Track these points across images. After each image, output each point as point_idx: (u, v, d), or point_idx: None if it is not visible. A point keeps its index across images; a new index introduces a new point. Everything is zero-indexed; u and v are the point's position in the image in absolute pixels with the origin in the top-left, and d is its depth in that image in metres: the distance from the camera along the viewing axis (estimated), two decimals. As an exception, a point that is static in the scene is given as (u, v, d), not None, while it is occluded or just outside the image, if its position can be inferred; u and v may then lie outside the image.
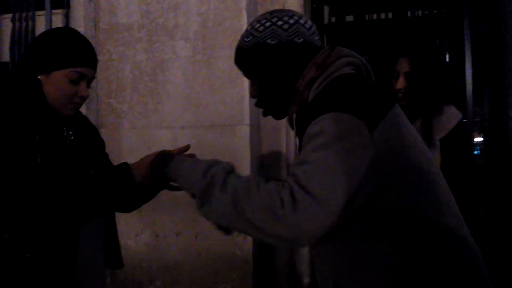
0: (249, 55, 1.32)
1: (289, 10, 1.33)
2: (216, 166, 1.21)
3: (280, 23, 1.29)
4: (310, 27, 1.31)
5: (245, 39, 1.32)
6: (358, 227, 1.15)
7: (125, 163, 1.46)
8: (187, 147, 1.52)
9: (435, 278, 1.14)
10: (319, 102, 1.17)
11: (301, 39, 1.29)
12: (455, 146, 2.10)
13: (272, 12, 1.32)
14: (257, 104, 1.37)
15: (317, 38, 1.32)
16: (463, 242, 1.20)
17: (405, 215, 1.14)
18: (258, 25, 1.31)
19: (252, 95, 1.37)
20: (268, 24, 1.29)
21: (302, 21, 1.30)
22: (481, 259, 1.22)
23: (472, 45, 3.41)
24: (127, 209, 1.66)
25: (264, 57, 1.30)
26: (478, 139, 3.93)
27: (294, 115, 1.29)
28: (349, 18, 3.97)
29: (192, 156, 1.51)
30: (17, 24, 3.54)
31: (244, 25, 2.99)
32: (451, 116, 2.14)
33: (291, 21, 1.29)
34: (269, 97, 1.34)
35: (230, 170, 1.21)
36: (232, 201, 1.12)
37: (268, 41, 1.28)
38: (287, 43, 1.28)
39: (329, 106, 1.12)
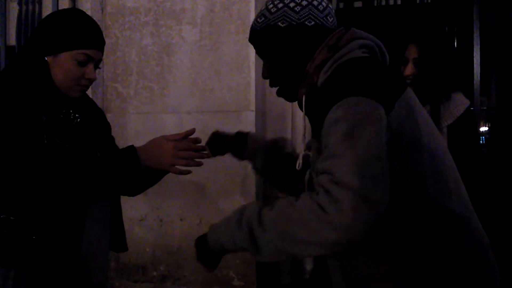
0: (260, 37, 1.32)
1: None
2: (246, 212, 1.19)
3: (292, 4, 1.28)
4: (324, 9, 1.29)
5: (258, 19, 1.32)
6: None
7: (132, 146, 1.46)
8: (193, 131, 1.51)
9: (440, 264, 1.14)
10: (333, 87, 1.16)
11: (313, 22, 1.27)
12: (462, 133, 2.09)
13: None
14: (271, 84, 1.36)
15: (331, 19, 1.30)
16: (470, 229, 1.20)
17: (414, 199, 1.14)
18: (272, 5, 1.30)
19: (263, 76, 1.37)
20: (280, 5, 1.28)
21: (315, 3, 1.28)
22: (489, 247, 1.22)
23: (481, 33, 3.38)
24: (133, 193, 1.67)
25: (274, 40, 1.29)
26: (483, 128, 3.91)
27: (304, 97, 1.28)
28: (358, 4, 3.94)
29: (196, 141, 1.51)
30: (24, 7, 3.52)
31: (252, 10, 2.97)
32: (459, 103, 2.13)
33: (304, 2, 1.27)
34: (279, 79, 1.34)
35: (259, 208, 1.17)
36: (277, 235, 1.11)
37: (279, 23, 1.28)
38: (298, 26, 1.27)
39: (344, 91, 1.11)
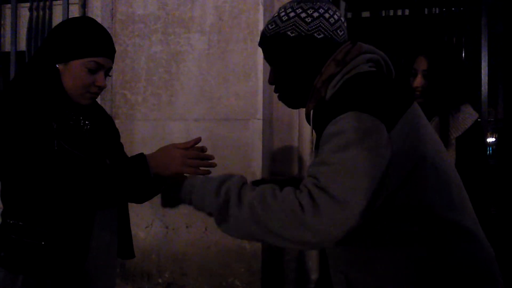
0: (269, 43, 1.32)
1: (317, 2, 1.29)
2: (227, 182, 1.20)
3: (303, 15, 1.27)
4: (335, 22, 1.28)
5: (269, 25, 1.32)
6: (374, 226, 1.15)
7: (141, 154, 1.47)
8: (198, 140, 1.52)
9: (448, 278, 1.14)
10: (337, 101, 1.17)
11: (322, 35, 1.27)
12: (470, 145, 2.09)
13: (299, 2, 1.30)
14: (275, 90, 1.37)
15: (341, 33, 1.29)
16: (477, 242, 1.20)
17: (419, 214, 1.14)
18: (283, 14, 1.30)
19: (269, 81, 1.37)
20: (292, 14, 1.28)
21: (327, 15, 1.27)
22: (495, 260, 1.22)
23: (489, 44, 3.38)
24: (141, 200, 1.67)
25: (282, 48, 1.29)
26: (490, 139, 3.90)
27: (311, 112, 1.28)
28: (365, 14, 3.95)
29: (203, 150, 1.52)
30: (34, 13, 3.56)
31: (260, 19, 2.98)
32: (468, 115, 2.14)
33: (315, 14, 1.27)
34: (282, 87, 1.35)
35: (242, 183, 1.20)
36: (250, 216, 1.12)
37: (288, 32, 1.28)
38: (307, 37, 1.27)
39: (347, 105, 1.12)
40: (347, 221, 1.04)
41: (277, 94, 1.37)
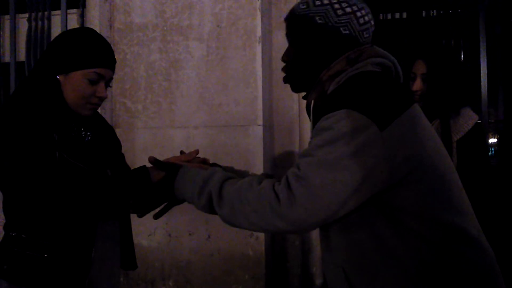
0: (295, 22, 1.31)
1: None
2: (211, 180, 1.26)
3: (336, 6, 1.27)
4: (364, 23, 1.28)
5: (300, 5, 1.31)
6: (374, 222, 1.16)
7: (144, 166, 1.47)
8: (196, 152, 1.54)
9: (447, 279, 1.13)
10: (334, 97, 1.18)
11: (347, 31, 1.27)
12: (471, 147, 2.09)
13: None
14: (282, 69, 1.37)
15: (366, 35, 1.29)
16: (477, 244, 1.19)
17: (418, 215, 1.14)
18: None
19: (282, 58, 1.37)
20: (326, 1, 1.27)
21: (358, 14, 1.27)
22: (495, 262, 1.22)
23: (488, 45, 3.38)
24: (141, 212, 1.67)
25: (305, 31, 1.29)
26: (492, 140, 3.90)
27: (312, 103, 1.30)
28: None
29: (205, 161, 1.52)
30: (33, 23, 3.57)
31: (258, 24, 2.99)
32: (468, 118, 2.14)
33: (348, 9, 1.26)
34: (292, 68, 1.34)
35: (224, 179, 1.26)
36: (231, 211, 1.20)
37: (317, 18, 1.27)
38: (332, 29, 1.26)
39: (342, 102, 1.13)
40: (320, 212, 1.09)
41: (284, 75, 1.37)
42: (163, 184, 1.39)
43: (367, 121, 1.10)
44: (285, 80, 1.38)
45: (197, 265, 2.99)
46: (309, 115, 1.33)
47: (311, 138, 1.20)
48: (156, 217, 1.48)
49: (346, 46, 1.27)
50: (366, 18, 1.28)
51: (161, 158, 1.55)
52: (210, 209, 1.27)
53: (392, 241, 1.15)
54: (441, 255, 1.14)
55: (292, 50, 1.34)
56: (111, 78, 1.58)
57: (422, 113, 1.24)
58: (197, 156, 1.55)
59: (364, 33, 1.29)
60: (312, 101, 1.30)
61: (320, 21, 1.27)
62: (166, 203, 1.46)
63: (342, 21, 1.26)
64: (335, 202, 1.09)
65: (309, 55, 1.30)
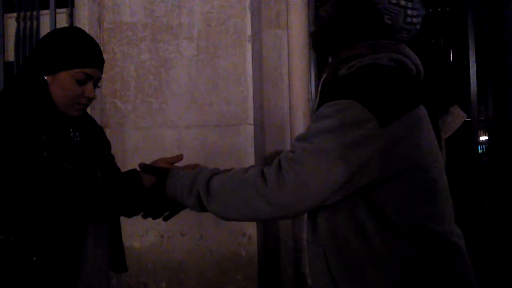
0: None
1: None
2: (197, 178, 1.27)
3: None
4: (410, 23, 1.26)
5: None
6: (358, 212, 1.16)
7: (134, 169, 1.47)
8: (180, 158, 1.54)
9: (424, 279, 1.14)
10: (342, 84, 1.17)
11: (389, 22, 1.25)
12: (460, 145, 2.10)
13: None
14: (311, 33, 1.36)
15: (404, 35, 1.28)
16: (457, 249, 1.20)
17: (400, 214, 1.15)
18: None
19: (319, 11, 1.35)
20: None
21: (409, 12, 1.25)
22: (471, 268, 1.23)
23: (476, 44, 3.40)
24: (131, 214, 1.65)
25: (350, 2, 1.27)
26: (483, 137, 3.93)
27: (322, 80, 1.29)
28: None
29: (196, 166, 1.52)
30: (22, 23, 3.53)
31: (248, 23, 2.99)
32: (457, 116, 2.15)
33: (402, 2, 1.24)
34: (324, 30, 1.33)
35: (211, 175, 1.26)
36: (221, 205, 1.21)
37: None
38: (376, 11, 1.25)
39: (348, 91, 1.13)
40: (308, 199, 1.10)
41: (313, 35, 1.36)
42: (155, 189, 1.40)
43: (369, 115, 1.09)
44: (312, 36, 1.37)
45: (189, 266, 2.97)
46: (316, 94, 1.32)
47: (312, 121, 1.19)
48: (166, 219, 1.50)
49: (380, 34, 1.25)
50: (414, 20, 1.27)
51: (152, 158, 1.55)
52: (201, 207, 1.27)
53: (372, 233, 1.15)
54: (419, 253, 1.15)
55: (331, 10, 1.31)
56: (100, 78, 1.56)
57: (427, 116, 1.23)
58: (191, 163, 1.55)
59: (404, 32, 1.27)
60: (323, 77, 1.29)
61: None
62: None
63: (391, 10, 1.24)
64: (325, 191, 1.10)
65: (344, 21, 1.28)
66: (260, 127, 3.07)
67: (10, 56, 3.57)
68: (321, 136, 1.11)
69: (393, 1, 1.24)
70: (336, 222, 1.19)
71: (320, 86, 1.31)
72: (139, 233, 3.03)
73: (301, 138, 1.16)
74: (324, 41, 1.34)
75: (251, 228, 2.89)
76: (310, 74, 3.22)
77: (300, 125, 3.07)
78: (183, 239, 2.99)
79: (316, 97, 1.32)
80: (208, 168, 1.33)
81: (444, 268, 1.15)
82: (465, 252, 1.22)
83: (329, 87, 1.21)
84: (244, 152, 2.92)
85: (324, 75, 1.30)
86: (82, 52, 1.49)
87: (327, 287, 1.21)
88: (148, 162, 1.51)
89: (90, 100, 1.53)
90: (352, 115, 1.10)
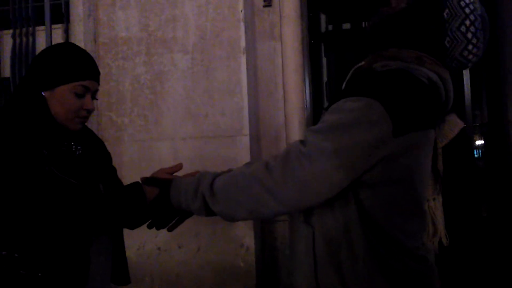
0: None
1: (479, 3, 1.25)
2: (201, 182, 1.27)
3: (467, 23, 1.22)
4: (466, 57, 1.24)
5: None
6: (348, 205, 1.16)
7: (137, 183, 1.47)
8: (180, 167, 1.54)
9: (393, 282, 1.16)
10: (373, 81, 1.15)
11: (448, 46, 1.23)
12: (457, 152, 2.11)
13: None
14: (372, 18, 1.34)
15: (455, 65, 1.26)
16: (420, 261, 1.21)
17: (375, 222, 1.16)
18: (463, 2, 1.24)
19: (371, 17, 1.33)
20: (467, 10, 1.22)
21: (470, 47, 1.23)
22: (436, 279, 1.25)
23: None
24: (134, 226, 1.66)
25: (429, 5, 1.25)
26: (479, 142, 3.94)
27: (355, 68, 1.27)
28: (346, 26, 3.99)
29: (196, 173, 1.53)
30: (18, 39, 3.57)
31: (241, 35, 3.01)
32: (453, 125, 2.15)
33: (469, 35, 1.23)
34: (378, 23, 1.31)
35: (214, 177, 1.26)
36: (226, 205, 1.20)
37: (446, 11, 1.23)
38: (441, 30, 1.23)
39: (376, 91, 1.11)
40: (312, 197, 1.10)
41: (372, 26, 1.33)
42: (159, 199, 1.40)
43: (387, 119, 1.08)
44: (367, 35, 1.34)
45: (187, 278, 2.98)
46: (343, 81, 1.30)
47: (329, 112, 1.16)
48: (170, 229, 1.49)
49: (433, 51, 1.23)
50: (470, 56, 1.25)
51: (148, 170, 1.55)
52: (206, 210, 1.26)
53: (355, 230, 1.15)
54: (391, 259, 1.16)
55: (398, 9, 1.28)
56: (97, 90, 1.57)
57: (433, 141, 1.24)
58: (191, 172, 1.55)
59: (455, 62, 1.26)
60: (359, 64, 1.27)
61: (446, 16, 1.23)
62: (179, 216, 1.47)
63: (455, 36, 1.22)
64: (329, 192, 1.10)
65: (408, 26, 1.25)
66: (255, 137, 3.08)
67: (6, 72, 3.59)
68: (336, 132, 1.10)
69: (462, 29, 1.22)
70: (327, 213, 1.19)
71: (352, 71, 1.28)
72: (136, 245, 3.04)
73: (315, 131, 1.13)
74: (380, 35, 1.29)
75: (248, 239, 2.89)
76: (305, 84, 3.24)
77: (296, 135, 3.08)
78: (181, 251, 3.00)
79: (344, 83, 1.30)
80: (210, 171, 1.32)
81: (408, 276, 1.17)
82: (432, 264, 1.24)
83: (359, 78, 1.20)
84: (240, 163, 2.89)
85: (362, 63, 1.27)
86: (78, 66, 1.50)
87: (308, 268, 1.21)
88: (144, 174, 1.52)
89: (89, 112, 1.54)
90: (372, 115, 1.08)
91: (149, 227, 1.49)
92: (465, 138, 2.15)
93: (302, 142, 1.14)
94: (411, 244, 1.19)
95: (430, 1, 1.25)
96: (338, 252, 1.17)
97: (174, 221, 1.49)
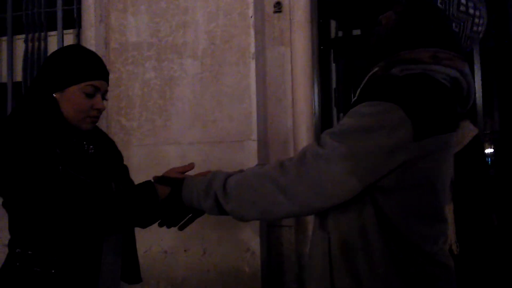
0: None
1: (482, 3, 1.26)
2: (214, 180, 1.27)
3: (463, 1, 1.24)
4: (476, 32, 1.26)
5: None
6: (365, 209, 1.15)
7: (149, 181, 1.49)
8: (192, 166, 1.54)
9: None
10: (392, 86, 1.14)
11: (457, 29, 1.24)
12: (470, 159, 2.08)
13: None
14: (371, 32, 1.35)
15: (468, 43, 1.27)
16: (440, 266, 1.20)
17: (393, 227, 1.15)
18: None
19: (378, 19, 1.33)
20: None
21: (476, 20, 1.25)
22: (454, 285, 1.23)
23: (482, 57, 3.40)
24: (145, 225, 1.66)
25: (420, 5, 1.25)
26: (489, 150, 3.91)
27: (375, 69, 1.26)
28: (356, 32, 3.98)
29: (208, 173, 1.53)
30: (30, 44, 3.61)
31: (251, 41, 3.02)
32: (467, 131, 2.13)
33: (471, 11, 1.24)
34: (384, 34, 1.30)
35: (227, 176, 1.26)
36: (238, 203, 1.20)
37: (439, 2, 1.25)
38: (446, 18, 1.23)
39: (394, 95, 1.10)
40: (324, 199, 1.10)
41: (372, 39, 1.34)
42: (171, 198, 1.41)
43: (408, 124, 1.08)
44: (371, 41, 1.34)
45: (193, 281, 2.97)
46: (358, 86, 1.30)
47: (347, 115, 1.16)
48: (181, 228, 1.49)
49: (445, 41, 1.22)
50: (480, 28, 1.27)
51: (156, 174, 1.56)
52: (218, 209, 1.26)
53: (372, 233, 1.15)
54: (407, 264, 1.15)
55: (394, 17, 1.28)
56: (106, 91, 1.59)
57: (454, 143, 1.23)
58: (203, 171, 1.56)
59: (469, 41, 1.27)
60: (373, 70, 1.26)
61: (440, 5, 1.25)
62: (190, 215, 1.48)
63: (460, 17, 1.24)
64: (343, 195, 1.10)
65: (408, 28, 1.25)
66: (263, 143, 3.08)
67: (18, 76, 3.64)
68: (354, 136, 1.09)
69: (462, 9, 1.24)
70: (343, 216, 1.18)
71: (367, 77, 1.28)
72: (143, 248, 3.05)
73: (333, 134, 1.13)
74: (385, 44, 1.29)
75: (254, 244, 2.89)
76: (314, 90, 3.23)
77: (304, 141, 3.08)
78: (186, 255, 3.00)
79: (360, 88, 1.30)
80: (223, 171, 1.33)
81: (428, 282, 1.16)
82: (452, 271, 1.22)
83: (377, 83, 1.19)
84: (244, 169, 2.93)
85: (376, 69, 1.26)
86: (87, 66, 1.52)
87: (323, 272, 1.21)
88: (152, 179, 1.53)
89: (100, 112, 1.56)
90: (392, 119, 1.08)
91: (160, 225, 1.50)
92: (479, 145, 2.13)
93: (319, 143, 1.14)
94: (431, 249, 1.17)
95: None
96: (355, 256, 1.16)
97: (185, 220, 1.49)
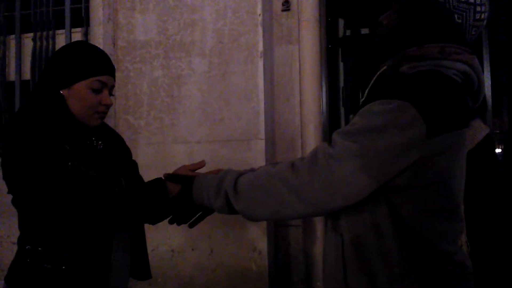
0: None
1: None
2: (225, 179, 1.26)
3: None
4: (479, 19, 1.25)
5: None
6: (378, 208, 1.15)
7: (160, 178, 1.48)
8: (202, 164, 1.53)
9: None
10: (402, 84, 1.13)
11: (460, 20, 1.24)
12: (482, 157, 2.07)
13: None
14: (374, 32, 1.34)
15: (474, 32, 1.26)
16: (458, 266, 1.19)
17: (408, 226, 1.14)
18: None
19: (379, 19, 1.34)
20: None
21: (478, 9, 1.25)
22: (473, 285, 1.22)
23: (491, 56, 3.37)
24: (155, 221, 1.66)
25: (420, 2, 1.26)
26: (497, 150, 3.89)
27: (382, 69, 1.25)
28: (365, 30, 3.97)
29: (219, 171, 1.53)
30: (38, 43, 3.63)
31: (259, 40, 3.01)
32: (478, 130, 2.11)
33: (471, 0, 1.24)
34: (387, 35, 1.30)
35: (238, 174, 1.26)
36: (249, 203, 1.19)
37: None
38: (447, 11, 1.24)
39: (405, 93, 1.09)
40: (337, 200, 1.08)
41: (376, 34, 1.33)
42: (182, 195, 1.40)
43: (420, 121, 1.07)
44: (374, 42, 1.33)
45: (200, 280, 2.98)
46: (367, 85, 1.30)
47: (358, 115, 1.15)
48: (191, 226, 1.49)
49: (450, 35, 1.22)
50: (483, 16, 1.26)
51: (163, 173, 1.56)
52: (229, 208, 1.26)
53: (387, 232, 1.14)
54: (423, 263, 1.14)
55: (395, 16, 1.28)
56: (113, 86, 1.58)
57: (467, 141, 1.22)
58: (213, 170, 1.55)
59: (473, 30, 1.27)
60: (382, 69, 1.26)
61: None
62: (200, 212, 1.47)
63: (461, 8, 1.24)
64: (357, 195, 1.09)
65: (413, 25, 1.25)
66: (271, 142, 3.08)
67: (26, 74, 3.65)
68: (366, 135, 1.08)
69: None
70: (356, 217, 1.17)
71: (376, 77, 1.27)
72: (150, 247, 3.01)
73: (345, 133, 1.12)
74: (387, 46, 1.28)
75: (261, 243, 2.88)
76: (322, 89, 3.22)
77: (311, 140, 3.07)
78: (194, 254, 3.00)
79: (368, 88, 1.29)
80: (234, 169, 1.32)
81: (445, 281, 1.14)
82: (470, 270, 1.21)
83: (387, 82, 1.18)
84: (255, 167, 2.92)
85: (384, 67, 1.26)
86: (94, 61, 1.52)
87: (337, 274, 1.20)
88: (159, 176, 1.52)
89: (107, 107, 1.56)
90: (404, 117, 1.07)
91: (171, 222, 1.50)
92: (490, 144, 2.11)
93: (330, 143, 1.13)
94: (448, 249, 1.16)
95: None
96: (369, 257, 1.15)
97: (195, 218, 1.49)
